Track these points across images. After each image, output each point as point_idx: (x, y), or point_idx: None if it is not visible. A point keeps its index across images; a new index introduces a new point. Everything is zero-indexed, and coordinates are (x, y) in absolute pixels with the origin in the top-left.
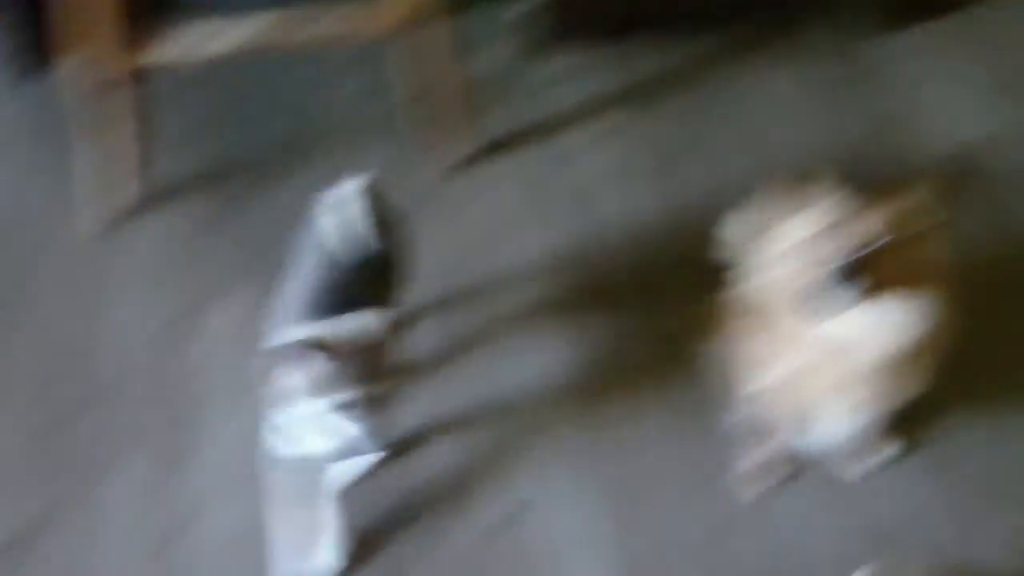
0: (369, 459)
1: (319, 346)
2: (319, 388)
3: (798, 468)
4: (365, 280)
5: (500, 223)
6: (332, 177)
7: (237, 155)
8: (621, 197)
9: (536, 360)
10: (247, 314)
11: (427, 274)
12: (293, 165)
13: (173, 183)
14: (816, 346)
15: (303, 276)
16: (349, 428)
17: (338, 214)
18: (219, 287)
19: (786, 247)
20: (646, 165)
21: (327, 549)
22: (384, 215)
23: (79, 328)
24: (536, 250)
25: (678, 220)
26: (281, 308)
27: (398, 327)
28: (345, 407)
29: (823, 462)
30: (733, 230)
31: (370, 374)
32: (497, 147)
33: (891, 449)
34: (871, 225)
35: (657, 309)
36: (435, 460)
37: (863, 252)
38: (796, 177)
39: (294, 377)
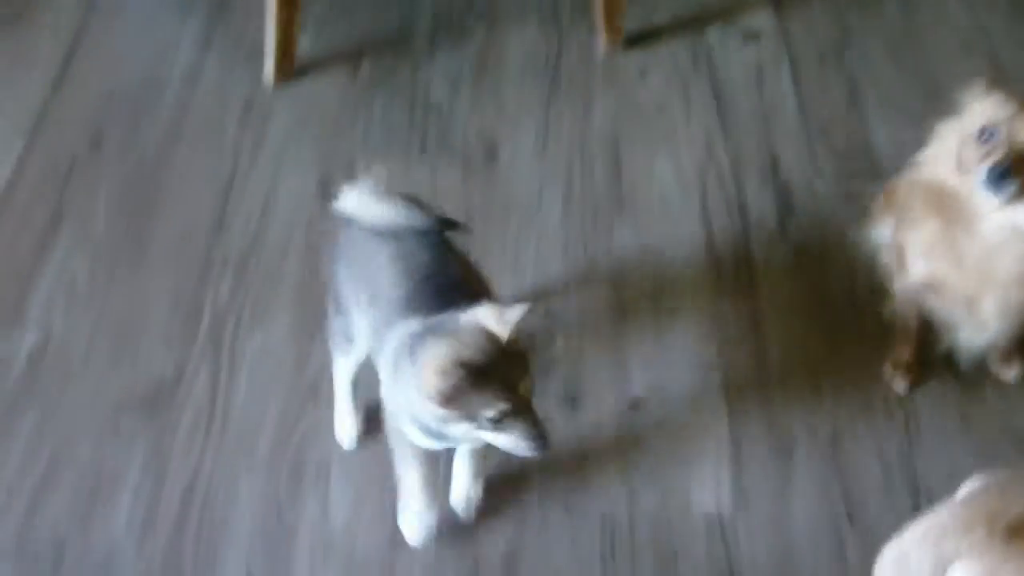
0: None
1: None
2: (465, 413)
3: (951, 365)
4: (442, 257)
5: (644, 110)
6: (482, 57)
7: (390, 29)
8: (761, 96)
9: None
10: (390, 183)
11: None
12: (444, 43)
13: (322, 55)
14: (974, 242)
15: (378, 273)
16: (502, 440)
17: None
18: (363, 156)
19: (949, 143)
20: (791, 65)
21: (456, 500)
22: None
23: (227, 191)
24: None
25: (819, 119)
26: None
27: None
28: (494, 423)
29: (974, 361)
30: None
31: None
32: (648, 36)
33: None
34: None
35: (807, 202)
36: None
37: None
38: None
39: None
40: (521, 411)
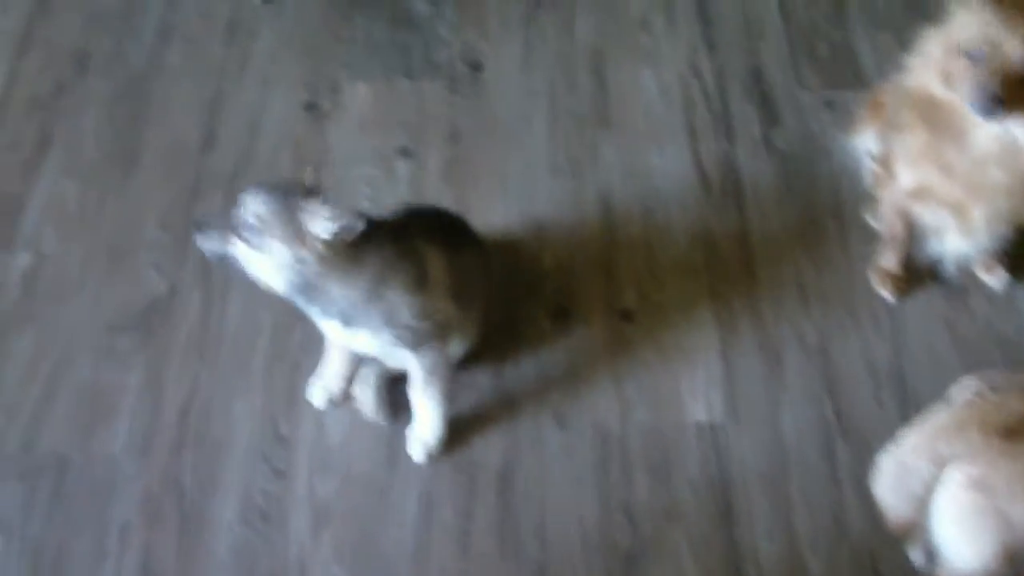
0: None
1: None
2: None
3: (936, 274)
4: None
5: (627, 25)
6: None
7: None
8: (744, 8)
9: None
10: (374, 97)
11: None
12: None
13: None
14: (963, 152)
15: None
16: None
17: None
18: (348, 76)
19: (935, 53)
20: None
21: (409, 439)
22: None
23: (214, 110)
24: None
25: (802, 30)
26: None
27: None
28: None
29: (960, 269)
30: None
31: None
32: None
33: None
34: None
35: (791, 113)
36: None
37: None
38: None
39: None
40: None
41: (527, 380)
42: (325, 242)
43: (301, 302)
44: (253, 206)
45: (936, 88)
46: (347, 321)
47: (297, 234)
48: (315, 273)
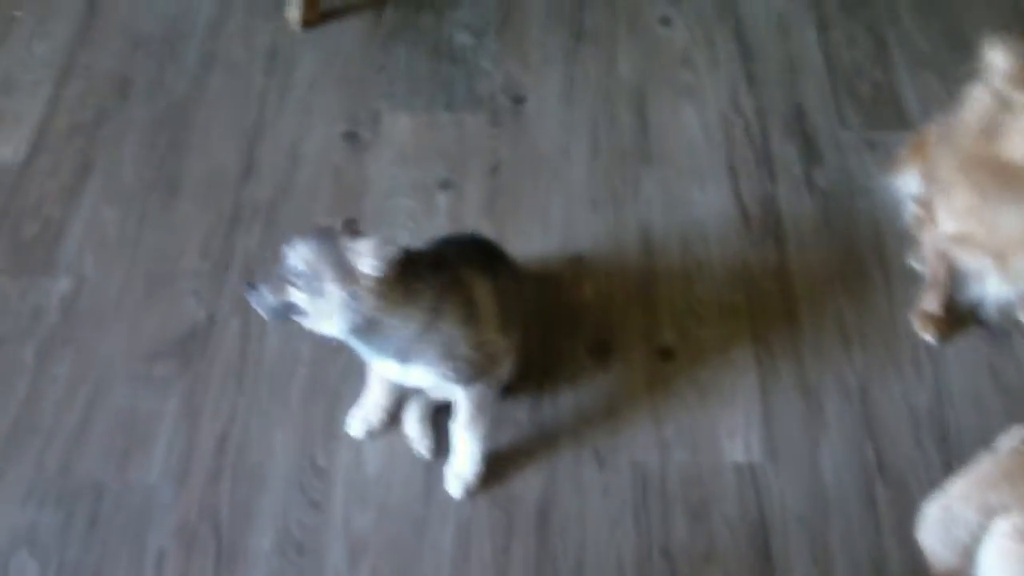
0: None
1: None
2: None
3: (978, 317)
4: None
5: (669, 60)
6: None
7: None
8: (787, 45)
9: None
10: (415, 128)
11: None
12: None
13: (348, 2)
14: (1010, 213)
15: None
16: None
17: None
18: (389, 106)
19: (979, 108)
20: (817, 14)
21: (448, 475)
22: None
23: (254, 138)
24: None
25: (844, 69)
26: None
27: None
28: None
29: (1001, 313)
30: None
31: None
32: None
33: None
34: None
35: (832, 152)
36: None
37: None
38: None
39: None
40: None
41: (566, 416)
42: (375, 278)
43: (359, 344)
44: (301, 252)
45: (980, 145)
46: (403, 358)
47: (348, 273)
48: (371, 310)
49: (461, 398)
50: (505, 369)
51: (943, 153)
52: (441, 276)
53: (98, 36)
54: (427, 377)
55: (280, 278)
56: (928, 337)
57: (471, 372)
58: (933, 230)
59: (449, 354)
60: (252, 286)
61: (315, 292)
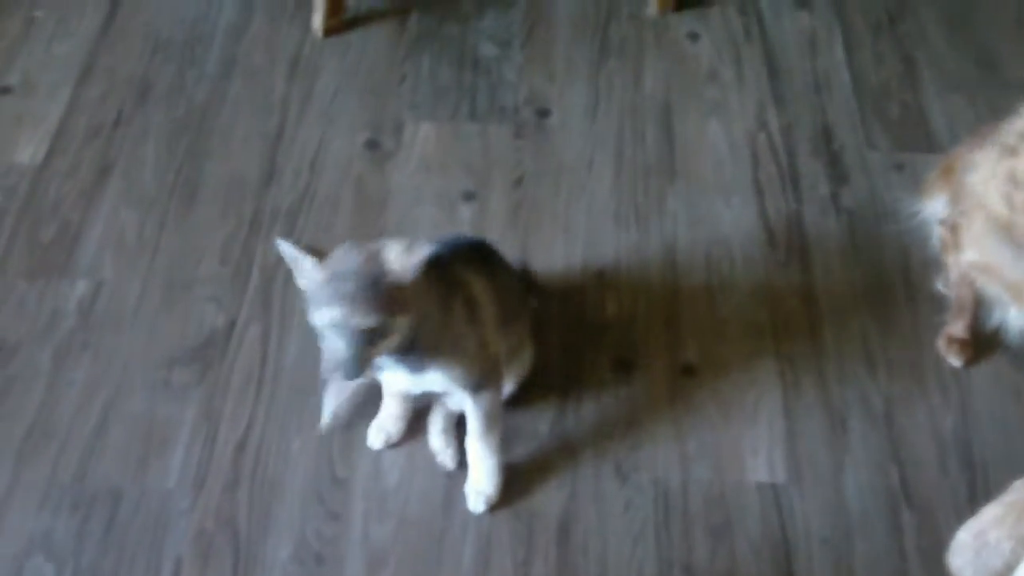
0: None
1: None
2: None
3: (1003, 341)
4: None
5: (695, 76)
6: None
7: None
8: (814, 64)
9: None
10: (438, 138)
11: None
12: (492, 2)
13: (369, 9)
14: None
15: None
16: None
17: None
18: (412, 116)
19: (999, 175)
20: (845, 34)
21: (467, 490)
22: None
23: (275, 144)
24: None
25: (872, 89)
26: None
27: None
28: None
29: None
30: None
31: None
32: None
33: None
34: None
35: (859, 172)
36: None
37: None
38: None
39: None
40: (344, 332)
41: (587, 430)
42: (412, 281)
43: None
44: (359, 311)
45: (1001, 208)
46: (418, 367)
47: (399, 299)
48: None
49: (471, 410)
50: (510, 375)
51: (963, 191)
52: (440, 273)
53: (119, 38)
54: (438, 383)
55: (356, 345)
56: (954, 361)
57: (479, 376)
58: (957, 255)
59: (459, 354)
60: (327, 382)
61: (388, 330)
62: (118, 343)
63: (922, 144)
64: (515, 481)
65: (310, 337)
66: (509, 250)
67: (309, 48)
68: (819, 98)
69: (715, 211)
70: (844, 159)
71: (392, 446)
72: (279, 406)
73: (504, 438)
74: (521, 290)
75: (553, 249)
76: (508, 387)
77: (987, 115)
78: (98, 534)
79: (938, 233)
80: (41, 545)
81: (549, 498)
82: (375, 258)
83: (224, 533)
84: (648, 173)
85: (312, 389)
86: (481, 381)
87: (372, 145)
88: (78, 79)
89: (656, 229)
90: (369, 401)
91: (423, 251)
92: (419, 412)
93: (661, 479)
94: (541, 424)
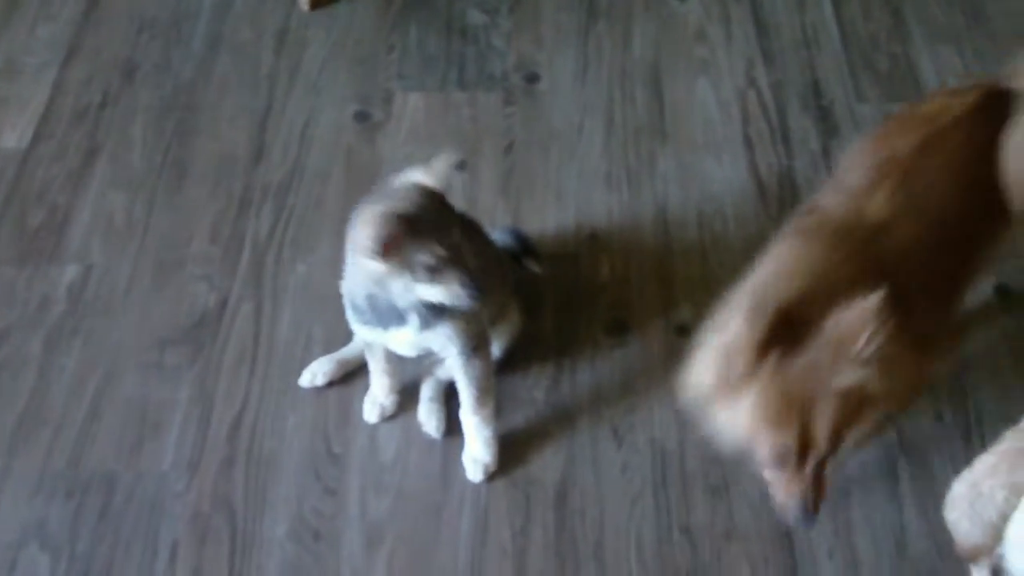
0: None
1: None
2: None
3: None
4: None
5: (684, 36)
6: None
7: None
8: (803, 20)
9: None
10: (427, 108)
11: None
12: None
13: None
14: None
15: None
16: (438, 292)
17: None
18: (400, 86)
19: None
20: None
21: (465, 459)
22: None
23: (264, 120)
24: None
25: (861, 43)
26: None
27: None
28: (431, 271)
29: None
30: None
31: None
32: None
33: None
34: None
35: (850, 126)
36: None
37: None
38: None
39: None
40: (455, 259)
41: (583, 394)
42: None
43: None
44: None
45: None
46: (428, 322)
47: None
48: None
49: (463, 379)
50: (497, 339)
51: None
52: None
53: (103, 19)
54: (439, 341)
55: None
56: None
57: (473, 337)
58: None
59: (454, 312)
60: None
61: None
62: (109, 327)
63: (912, 95)
64: (512, 449)
65: (303, 313)
66: (501, 217)
67: (295, 21)
68: (808, 53)
69: (706, 170)
70: (834, 113)
71: (387, 419)
72: (273, 383)
73: (499, 406)
74: (500, 260)
75: (545, 214)
76: (496, 351)
77: (975, 65)
78: (93, 520)
79: None
80: (35, 534)
81: (546, 464)
82: (422, 188)
83: (220, 514)
84: (638, 135)
85: (306, 365)
86: (474, 344)
87: (361, 117)
88: (63, 61)
89: (648, 190)
90: (359, 377)
91: (441, 159)
92: (412, 388)
93: (658, 440)
94: (537, 391)
